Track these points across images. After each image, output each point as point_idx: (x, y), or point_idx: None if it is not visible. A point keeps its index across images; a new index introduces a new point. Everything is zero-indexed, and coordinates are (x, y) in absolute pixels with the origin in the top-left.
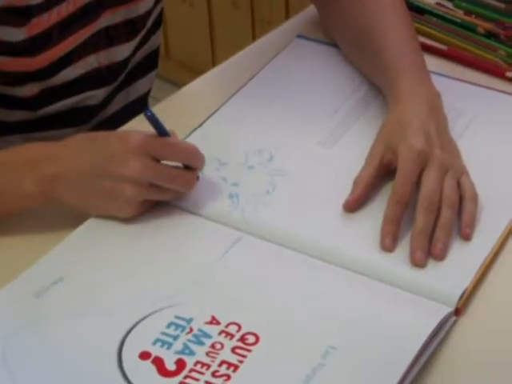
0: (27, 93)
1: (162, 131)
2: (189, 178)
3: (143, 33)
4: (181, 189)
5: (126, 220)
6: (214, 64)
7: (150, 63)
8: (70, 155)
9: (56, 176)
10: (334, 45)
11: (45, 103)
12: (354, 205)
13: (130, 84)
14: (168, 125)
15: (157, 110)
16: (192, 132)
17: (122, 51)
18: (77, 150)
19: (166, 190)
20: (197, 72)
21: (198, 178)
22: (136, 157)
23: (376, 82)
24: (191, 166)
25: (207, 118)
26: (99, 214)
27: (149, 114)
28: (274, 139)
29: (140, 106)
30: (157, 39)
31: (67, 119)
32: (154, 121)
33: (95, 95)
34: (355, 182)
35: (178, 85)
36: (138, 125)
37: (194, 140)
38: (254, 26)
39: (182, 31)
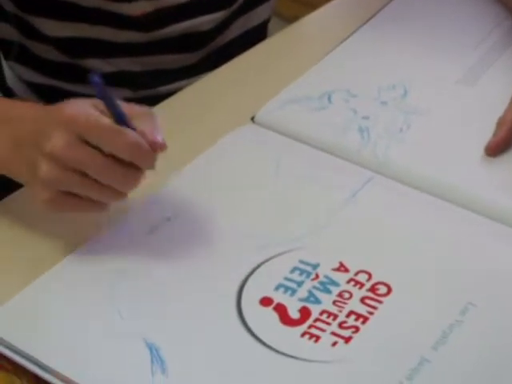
0: (138, 11)
1: (110, 104)
2: (127, 177)
3: None
4: (114, 186)
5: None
6: None
7: None
8: (21, 116)
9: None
10: None
11: (156, 25)
12: (497, 148)
13: (251, 9)
14: (284, 61)
15: (269, 44)
16: (317, 63)
17: None
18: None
19: (92, 184)
20: (307, 3)
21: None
22: (61, 132)
23: None
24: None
25: (334, 48)
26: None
27: (95, 79)
28: (408, 74)
29: (260, 33)
30: None
31: (179, 44)
32: (99, 89)
33: (210, 20)
34: (499, 124)
35: (286, 17)
36: (256, 55)
37: (319, 71)
38: None
39: None
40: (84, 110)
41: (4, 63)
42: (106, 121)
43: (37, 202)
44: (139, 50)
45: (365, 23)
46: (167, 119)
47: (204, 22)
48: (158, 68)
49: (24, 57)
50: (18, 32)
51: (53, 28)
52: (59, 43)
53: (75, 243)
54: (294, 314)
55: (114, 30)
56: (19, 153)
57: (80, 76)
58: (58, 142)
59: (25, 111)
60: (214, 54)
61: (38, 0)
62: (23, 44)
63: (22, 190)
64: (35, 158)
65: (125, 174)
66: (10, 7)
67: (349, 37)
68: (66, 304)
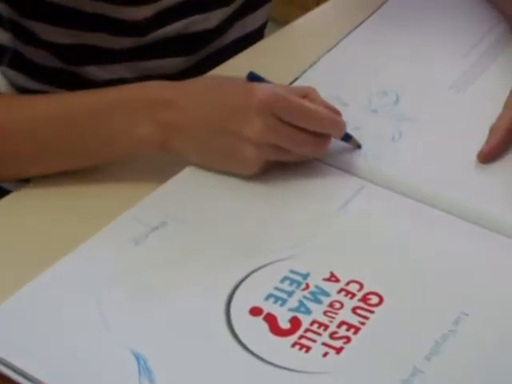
0: (140, 16)
1: None
2: (320, 144)
3: None
4: (309, 154)
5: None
6: None
7: None
8: (190, 103)
9: (175, 124)
10: None
11: (154, 27)
12: (490, 155)
13: (248, 13)
14: (278, 63)
15: (263, 46)
16: (308, 68)
17: None
18: (199, 97)
19: (291, 152)
20: (298, 6)
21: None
22: (260, 116)
23: None
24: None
25: (325, 53)
26: (219, 170)
27: (252, 75)
28: (399, 80)
29: (257, 38)
30: None
31: (176, 46)
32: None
33: (206, 19)
34: (491, 130)
35: (276, 20)
36: (247, 58)
37: (310, 77)
38: None
39: None
40: (274, 92)
41: None
42: (300, 100)
43: (245, 174)
44: (137, 56)
45: (356, 27)
46: None
47: (199, 20)
48: (156, 73)
49: (18, 62)
50: (14, 37)
51: (52, 34)
52: (57, 50)
53: (57, 255)
54: (285, 324)
55: (112, 36)
56: (203, 143)
57: (75, 83)
58: (259, 126)
59: (170, 94)
60: (211, 58)
61: (38, 5)
62: (18, 50)
63: (10, 195)
64: (232, 144)
65: (317, 142)
66: (6, 12)
67: (340, 41)
68: (52, 315)
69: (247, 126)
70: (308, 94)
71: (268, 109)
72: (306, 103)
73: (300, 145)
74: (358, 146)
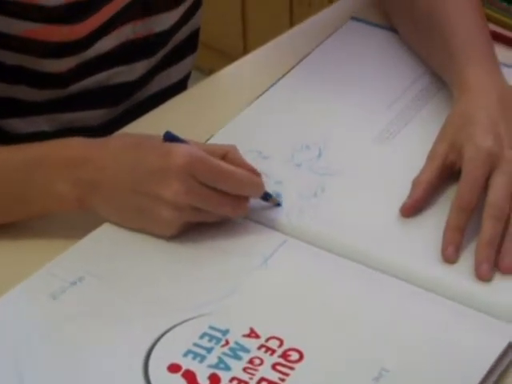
0: (62, 67)
1: None
2: (239, 205)
3: (187, 5)
4: (228, 215)
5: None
6: (245, 47)
7: (192, 43)
8: (108, 161)
9: (92, 182)
10: (391, 28)
11: (75, 79)
12: (413, 209)
13: (171, 65)
14: (201, 114)
15: (187, 96)
16: (229, 121)
17: (160, 22)
18: (116, 156)
19: (210, 213)
20: (225, 55)
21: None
22: (178, 178)
23: (440, 71)
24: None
25: (246, 106)
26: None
27: (169, 135)
28: (323, 133)
29: (180, 89)
30: (199, 16)
31: (98, 98)
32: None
33: (129, 70)
34: (414, 184)
35: (202, 69)
36: (170, 110)
37: (230, 131)
38: (292, 7)
39: (210, 10)
40: (192, 155)
41: None
42: (219, 162)
43: (162, 235)
44: (58, 107)
45: (280, 78)
46: None
47: (122, 72)
48: (78, 126)
49: None
50: None
51: None
52: None
53: None
54: (204, 380)
55: (33, 88)
56: (120, 203)
57: None
58: (178, 188)
59: (88, 153)
60: (134, 109)
61: None
62: None
63: None
64: (150, 205)
65: (236, 203)
66: None
67: (263, 93)
68: None
69: (165, 188)
70: (228, 152)
71: (186, 171)
72: (224, 165)
73: (219, 206)
74: (278, 205)
